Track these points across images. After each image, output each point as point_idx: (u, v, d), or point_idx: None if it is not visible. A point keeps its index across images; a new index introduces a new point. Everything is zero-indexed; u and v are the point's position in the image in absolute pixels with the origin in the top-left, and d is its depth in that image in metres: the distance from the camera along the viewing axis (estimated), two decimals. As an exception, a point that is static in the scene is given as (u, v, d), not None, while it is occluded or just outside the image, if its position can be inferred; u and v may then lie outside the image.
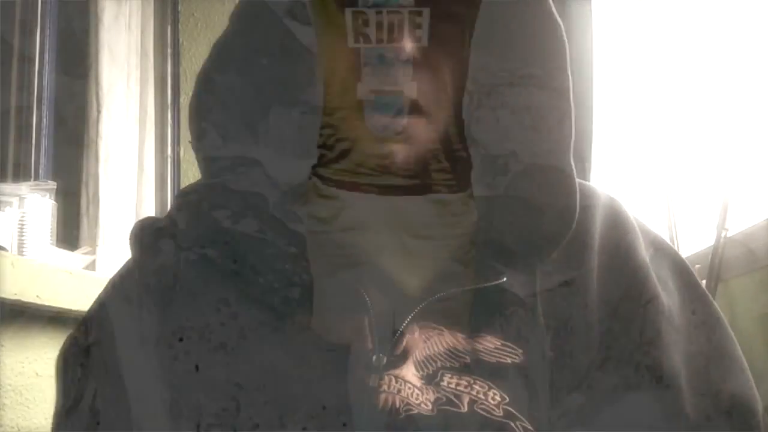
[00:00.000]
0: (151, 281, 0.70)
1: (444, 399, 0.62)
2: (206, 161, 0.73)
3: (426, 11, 0.64)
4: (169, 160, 2.46)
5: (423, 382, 0.63)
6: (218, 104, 0.72)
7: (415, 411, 0.61)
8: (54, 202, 1.93)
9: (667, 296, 0.70)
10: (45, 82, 2.18)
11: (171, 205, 0.75)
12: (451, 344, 0.65)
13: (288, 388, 0.64)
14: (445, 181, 0.70)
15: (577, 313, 0.68)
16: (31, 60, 2.15)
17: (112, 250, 2.11)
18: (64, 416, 0.69)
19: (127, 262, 0.74)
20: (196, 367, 0.65)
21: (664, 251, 0.74)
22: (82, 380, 0.69)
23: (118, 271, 0.75)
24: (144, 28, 2.41)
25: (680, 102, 2.24)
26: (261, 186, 0.71)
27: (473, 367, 0.64)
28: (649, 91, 2.26)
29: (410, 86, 0.65)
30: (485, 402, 0.62)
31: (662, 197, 2.27)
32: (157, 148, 2.44)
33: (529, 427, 0.62)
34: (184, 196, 0.74)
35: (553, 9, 0.70)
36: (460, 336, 0.65)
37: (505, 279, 0.66)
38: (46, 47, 2.19)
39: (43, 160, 2.14)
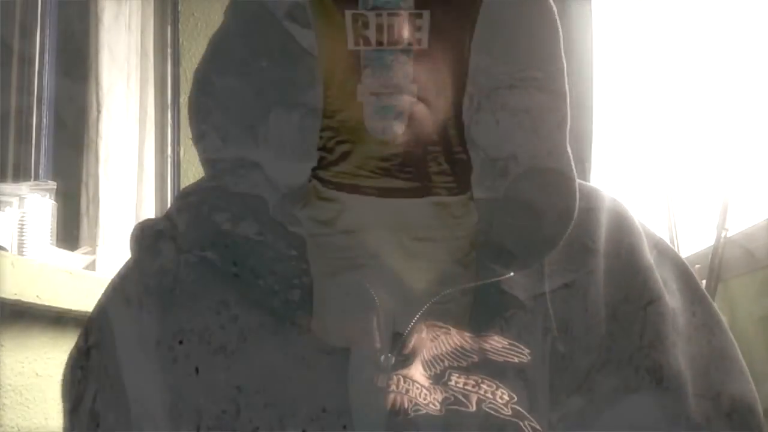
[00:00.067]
0: (151, 283, 0.70)
1: (452, 399, 0.62)
2: (206, 163, 0.73)
3: (426, 13, 0.64)
4: (169, 160, 2.46)
5: (431, 381, 0.63)
6: (218, 106, 0.72)
7: (423, 411, 0.61)
8: (54, 202, 1.93)
9: (670, 298, 0.70)
10: (45, 84, 2.18)
11: (170, 206, 0.75)
12: (458, 343, 0.65)
13: (288, 390, 0.64)
14: (445, 183, 0.70)
15: (578, 315, 0.68)
16: (31, 61, 2.15)
17: (112, 250, 2.11)
18: (65, 419, 0.69)
19: (127, 263, 0.74)
20: (196, 370, 0.65)
21: (666, 254, 0.74)
22: (82, 382, 0.69)
23: (118, 273, 0.75)
24: (144, 28, 2.41)
25: (680, 102, 2.24)
26: (261, 188, 0.71)
27: (481, 366, 0.64)
28: (649, 91, 2.26)
29: (410, 88, 0.65)
30: (493, 401, 0.62)
31: (662, 197, 2.27)
32: (157, 148, 2.44)
33: (537, 427, 0.62)
34: (184, 198, 0.74)
35: (554, 10, 0.70)
36: (467, 335, 0.65)
37: (512, 273, 0.66)
38: (46, 48, 2.19)
39: (43, 161, 2.14)
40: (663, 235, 2.21)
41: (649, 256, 0.72)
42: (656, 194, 2.29)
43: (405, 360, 0.64)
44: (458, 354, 0.65)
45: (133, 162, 2.32)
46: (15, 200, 1.83)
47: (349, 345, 0.65)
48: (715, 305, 0.74)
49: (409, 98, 0.65)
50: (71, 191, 2.18)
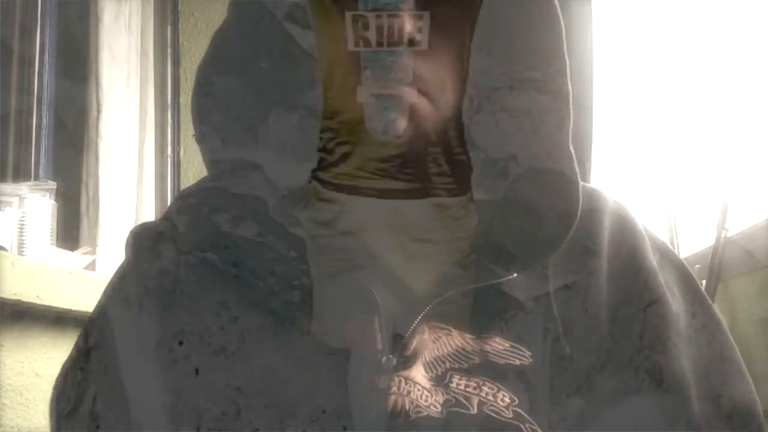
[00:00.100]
0: (151, 285, 0.70)
1: (453, 401, 0.62)
2: (208, 164, 0.73)
3: (426, 15, 0.64)
4: (169, 160, 2.46)
5: (432, 383, 0.63)
6: (218, 107, 0.72)
7: (424, 413, 0.61)
8: (54, 202, 1.93)
9: (672, 300, 0.70)
10: (45, 84, 2.18)
11: (170, 208, 0.75)
12: (459, 345, 0.65)
13: (288, 392, 0.64)
14: (445, 184, 0.70)
15: (578, 316, 0.68)
16: (31, 62, 2.15)
17: (112, 250, 2.11)
18: (64, 419, 0.69)
19: (121, 266, 0.74)
20: (196, 371, 0.65)
21: (668, 258, 0.74)
22: (81, 384, 0.69)
23: (115, 275, 0.74)
24: (144, 28, 2.41)
25: (680, 102, 2.24)
26: (261, 189, 0.71)
27: (482, 368, 0.64)
28: (649, 91, 2.26)
29: (410, 90, 0.65)
30: (495, 404, 0.62)
31: (662, 197, 2.27)
32: (157, 148, 2.44)
33: (538, 430, 0.62)
34: (184, 199, 0.74)
35: (555, 10, 0.70)
36: (468, 337, 0.65)
37: (515, 275, 0.66)
38: (46, 49, 2.19)
39: (43, 161, 2.14)
40: (663, 235, 2.22)
41: (652, 258, 0.72)
42: (656, 194, 2.29)
43: (406, 361, 0.64)
44: (459, 356, 0.64)
45: (133, 162, 2.32)
46: (15, 200, 1.83)
47: (349, 346, 0.65)
48: (716, 307, 0.74)
49: (409, 99, 0.65)
50: (71, 191, 2.18)
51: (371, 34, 0.64)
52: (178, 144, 2.48)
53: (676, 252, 2.11)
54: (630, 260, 0.71)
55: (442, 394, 0.62)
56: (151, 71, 2.42)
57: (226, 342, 0.66)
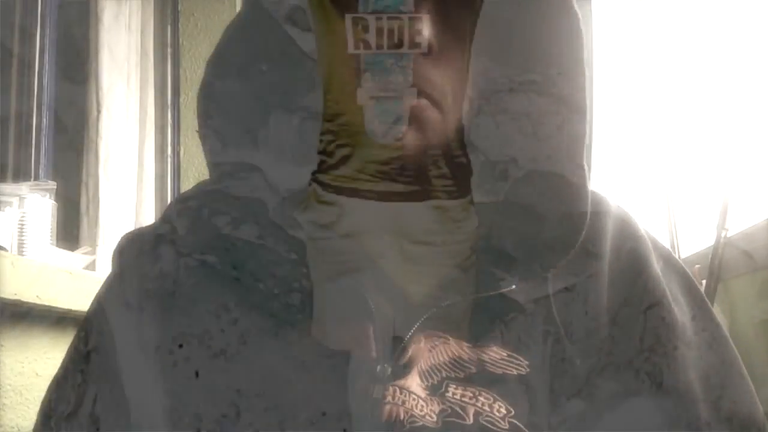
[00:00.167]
0: (151, 287, 0.70)
1: (449, 410, 0.62)
2: (208, 166, 0.73)
3: (426, 17, 0.64)
4: (169, 160, 2.46)
5: (428, 392, 0.63)
6: (218, 110, 0.72)
7: (420, 423, 0.61)
8: (54, 202, 1.93)
9: (676, 307, 0.70)
10: (45, 86, 2.18)
11: (169, 210, 0.75)
12: (456, 354, 0.65)
13: (288, 394, 0.64)
14: (445, 187, 0.70)
15: (578, 319, 0.68)
16: (31, 64, 2.15)
17: (112, 251, 2.11)
18: (64, 421, 0.69)
19: (115, 270, 0.74)
20: (196, 374, 0.66)
21: (671, 264, 0.74)
22: (81, 386, 0.69)
23: (108, 279, 0.74)
24: (144, 29, 2.41)
25: (680, 102, 2.24)
26: (261, 192, 0.71)
27: (479, 377, 0.64)
28: (649, 91, 2.26)
29: (410, 92, 0.65)
30: (490, 414, 0.62)
31: (662, 197, 2.27)
32: (157, 148, 2.43)
33: None
34: (184, 202, 0.74)
35: (559, 12, 0.70)
36: (465, 345, 0.65)
37: (514, 287, 0.66)
38: (46, 51, 2.19)
39: (43, 161, 2.14)
40: (663, 235, 2.22)
41: (653, 261, 0.72)
42: (656, 194, 2.29)
43: (402, 370, 0.64)
44: (456, 364, 0.65)
45: (133, 162, 2.32)
46: (15, 200, 1.83)
47: (348, 348, 0.65)
48: (716, 308, 0.74)
49: (409, 102, 0.65)
50: (71, 191, 2.18)
51: (371, 37, 0.64)
52: (178, 144, 2.48)
53: (677, 252, 2.12)
54: (630, 263, 0.71)
55: (438, 404, 0.62)
56: (151, 71, 2.42)
57: (226, 344, 0.66)
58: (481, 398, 0.63)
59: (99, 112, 2.19)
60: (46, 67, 2.18)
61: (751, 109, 1.93)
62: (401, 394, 0.62)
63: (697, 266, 1.85)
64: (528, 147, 0.70)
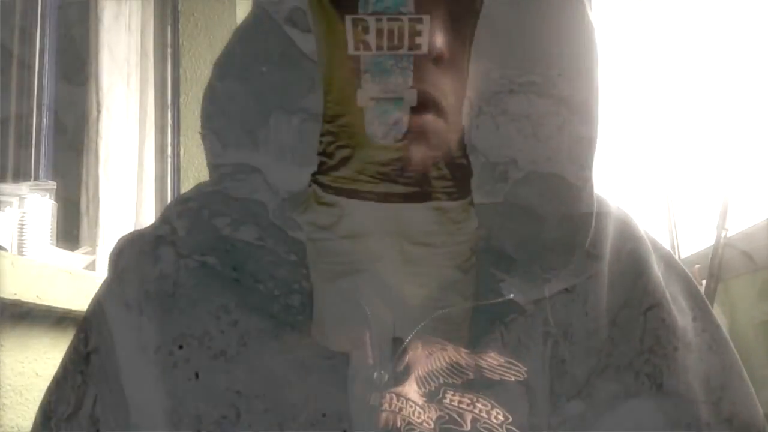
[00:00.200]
0: (151, 288, 0.70)
1: (446, 417, 0.62)
2: (209, 168, 0.73)
3: (426, 18, 0.64)
4: (169, 160, 2.46)
5: (425, 399, 0.63)
6: (218, 111, 0.72)
7: (417, 430, 0.61)
8: (54, 202, 1.93)
9: (677, 312, 0.70)
10: (45, 88, 2.18)
11: (168, 212, 0.75)
12: (453, 359, 0.65)
13: (288, 395, 0.64)
14: (445, 188, 0.70)
15: (578, 320, 0.68)
16: (31, 65, 2.15)
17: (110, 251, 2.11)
18: (64, 423, 0.69)
19: (115, 272, 0.74)
20: (196, 375, 0.66)
21: (673, 267, 0.74)
22: (81, 387, 0.69)
23: (106, 280, 0.74)
24: (144, 29, 2.41)
25: (680, 102, 2.24)
26: (261, 193, 0.71)
27: (476, 383, 0.64)
28: (649, 91, 2.26)
29: (410, 93, 0.65)
30: (488, 421, 0.62)
31: (662, 197, 2.27)
32: (157, 148, 2.44)
33: None
34: (183, 203, 0.74)
35: (559, 13, 0.70)
36: (463, 351, 0.65)
37: (512, 295, 0.66)
38: (46, 53, 2.19)
39: (43, 160, 2.14)
40: (663, 235, 2.22)
41: (653, 262, 0.72)
42: (656, 194, 2.30)
43: (399, 376, 0.64)
44: (454, 370, 0.65)
45: (133, 162, 2.32)
46: (15, 200, 1.83)
47: (348, 350, 0.65)
48: (715, 311, 0.74)
49: (409, 103, 0.65)
50: (71, 191, 2.18)
51: (371, 38, 0.64)
52: (178, 144, 2.48)
53: (677, 252, 2.12)
54: (630, 264, 0.71)
55: (435, 411, 0.62)
56: (151, 71, 2.42)
57: (226, 345, 0.66)
58: (479, 405, 0.63)
59: (99, 112, 2.19)
60: (46, 67, 2.18)
61: (751, 110, 1.93)
62: (398, 401, 0.62)
63: (697, 266, 1.85)
64: (528, 148, 0.70)
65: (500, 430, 0.62)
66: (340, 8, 0.65)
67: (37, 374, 1.63)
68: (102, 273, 1.97)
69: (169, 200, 2.42)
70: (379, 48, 0.64)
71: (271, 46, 0.71)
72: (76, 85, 2.28)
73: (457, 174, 0.70)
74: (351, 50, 0.64)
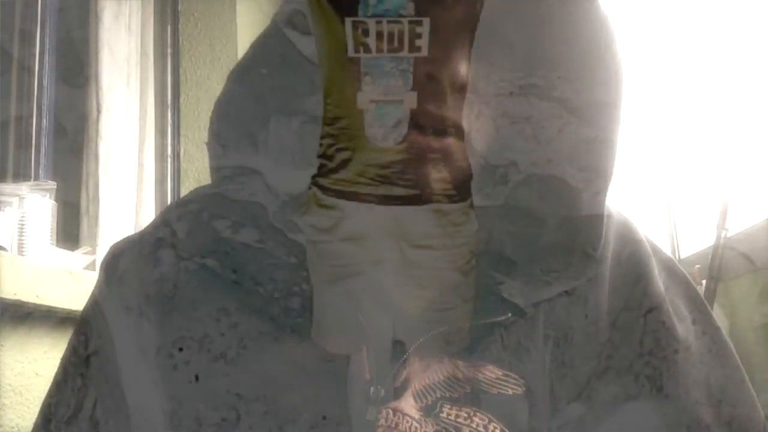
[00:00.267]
0: (151, 291, 0.70)
1: (443, 431, 0.62)
2: (210, 170, 0.73)
3: (426, 21, 0.64)
4: (169, 160, 2.46)
5: (422, 413, 0.63)
6: (218, 114, 0.73)
7: None
8: (54, 202, 1.93)
9: (673, 306, 0.70)
10: (45, 90, 2.18)
11: (165, 214, 0.75)
12: (450, 373, 0.65)
13: (288, 398, 0.64)
14: (445, 191, 0.70)
15: (578, 323, 0.68)
16: (31, 68, 2.15)
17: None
18: (64, 425, 0.70)
19: (104, 276, 0.74)
20: (196, 377, 0.66)
21: (675, 275, 0.74)
22: (81, 390, 0.70)
23: (99, 284, 0.74)
24: (144, 28, 2.41)
25: (680, 102, 2.24)
26: (261, 196, 0.71)
27: (474, 396, 0.64)
28: (649, 91, 2.26)
29: (410, 96, 0.65)
30: None
31: (662, 197, 2.27)
32: (157, 148, 2.43)
33: None
34: (184, 206, 0.74)
35: (560, 15, 0.70)
36: (460, 364, 0.65)
37: (510, 315, 0.66)
38: (46, 55, 2.19)
39: (43, 160, 2.14)
40: (663, 234, 2.22)
41: (654, 265, 0.72)
42: (656, 194, 2.30)
43: (396, 391, 0.64)
44: (451, 384, 0.65)
45: (133, 162, 2.32)
46: (15, 200, 1.83)
47: (348, 352, 0.65)
48: (715, 312, 0.74)
49: (409, 106, 0.65)
50: (71, 191, 2.18)
51: (371, 41, 0.64)
52: (178, 144, 2.48)
53: (677, 252, 2.11)
54: (630, 267, 0.71)
55: (432, 425, 0.62)
56: (151, 71, 2.42)
57: (226, 348, 0.66)
58: (476, 419, 0.63)
59: (99, 112, 2.20)
60: (46, 69, 2.18)
61: (751, 110, 1.93)
62: (395, 416, 0.62)
63: (697, 266, 1.85)
64: (528, 151, 0.70)
65: None
66: (340, 11, 0.65)
67: (37, 374, 1.63)
68: (102, 273, 1.97)
69: (169, 200, 2.42)
70: (380, 50, 0.64)
71: (270, 48, 0.71)
72: (76, 87, 2.28)
73: (457, 176, 0.70)
74: (351, 53, 0.64)
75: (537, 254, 0.69)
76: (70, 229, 2.15)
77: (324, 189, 0.71)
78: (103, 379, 0.69)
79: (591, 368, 0.67)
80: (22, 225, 1.81)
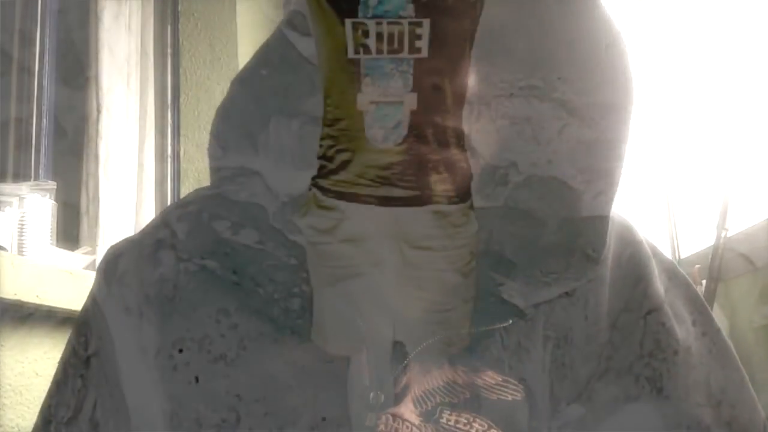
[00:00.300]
0: (151, 292, 0.70)
1: None
2: (210, 171, 0.73)
3: (426, 22, 0.64)
4: (169, 160, 2.46)
5: (421, 419, 0.63)
6: (218, 116, 0.72)
7: None
8: (54, 202, 1.93)
9: (672, 308, 0.70)
10: (45, 91, 2.18)
11: (165, 216, 0.75)
12: (450, 378, 0.65)
13: (288, 399, 0.64)
14: (445, 192, 0.70)
15: (578, 324, 0.68)
16: (31, 69, 2.15)
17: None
18: (63, 427, 0.70)
19: (102, 278, 0.74)
20: (196, 378, 0.66)
21: (676, 279, 0.74)
22: (81, 391, 0.70)
23: (102, 283, 0.74)
24: (144, 28, 2.41)
25: (680, 102, 2.24)
26: (261, 197, 0.71)
27: (473, 402, 0.64)
28: (649, 91, 2.26)
29: (410, 97, 0.65)
30: None
31: (662, 197, 2.27)
32: (157, 148, 2.43)
33: None
34: (183, 207, 0.74)
35: (560, 17, 0.70)
36: (460, 369, 0.65)
37: (511, 321, 0.66)
38: (46, 57, 2.19)
39: (43, 161, 2.14)
40: (663, 235, 2.22)
41: (654, 267, 0.72)
42: (656, 194, 2.29)
43: (395, 397, 0.64)
44: (450, 389, 0.65)
45: (133, 162, 2.32)
46: (15, 200, 1.83)
47: (348, 354, 0.65)
48: (715, 312, 0.74)
49: (409, 107, 0.65)
50: (71, 191, 2.18)
51: (371, 42, 0.64)
52: (178, 144, 2.48)
53: (677, 252, 2.11)
54: (630, 268, 0.71)
55: (432, 431, 0.63)
56: (151, 71, 2.42)
57: (226, 349, 0.66)
58: (476, 425, 0.63)
59: (99, 112, 2.20)
60: (46, 71, 2.18)
61: (751, 110, 1.93)
62: (394, 422, 0.63)
63: (697, 266, 1.85)
64: (528, 152, 0.69)
65: None
66: (340, 12, 0.65)
67: (37, 374, 1.63)
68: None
69: (169, 200, 2.42)
70: (379, 52, 0.64)
71: (270, 49, 0.71)
72: (76, 88, 2.28)
73: (457, 177, 0.70)
74: (351, 54, 0.64)
75: (537, 255, 0.69)
76: (70, 229, 2.15)
77: (324, 190, 0.71)
78: (103, 380, 0.70)
79: (591, 369, 0.67)
80: (22, 225, 1.81)
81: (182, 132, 2.47)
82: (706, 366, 0.69)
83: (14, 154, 2.11)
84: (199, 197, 0.74)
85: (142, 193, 2.33)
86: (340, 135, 0.69)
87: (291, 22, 0.70)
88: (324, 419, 0.63)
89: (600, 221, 0.69)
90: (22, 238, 1.81)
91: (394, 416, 0.63)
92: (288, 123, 0.70)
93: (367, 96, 0.65)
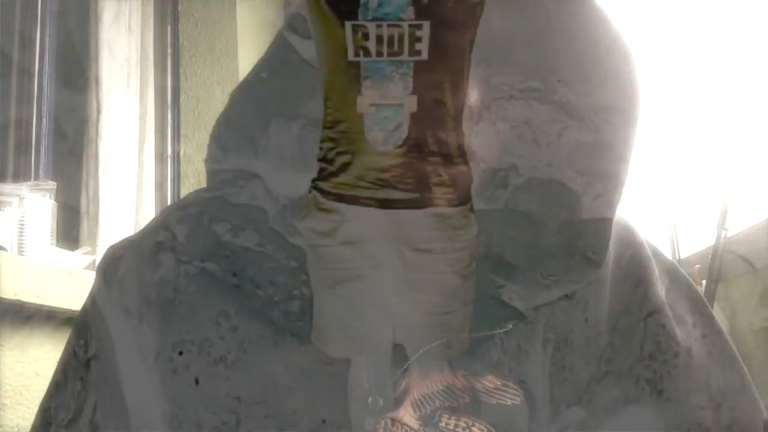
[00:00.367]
0: (151, 295, 0.70)
1: None
2: (209, 174, 0.73)
3: (426, 25, 0.64)
4: (169, 160, 2.46)
5: (420, 423, 0.63)
6: (219, 123, 0.72)
7: None
8: (54, 202, 1.93)
9: (673, 310, 0.70)
10: (45, 93, 2.18)
11: (164, 217, 0.75)
12: (450, 382, 0.65)
13: (288, 401, 0.64)
14: (445, 194, 0.70)
15: (578, 326, 0.68)
16: (31, 72, 2.15)
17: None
18: (63, 429, 0.70)
19: (102, 279, 0.74)
20: (196, 381, 0.66)
21: (678, 281, 0.74)
22: (81, 394, 0.70)
23: (101, 284, 0.74)
24: (144, 29, 2.41)
25: (680, 102, 2.24)
26: (261, 199, 0.71)
27: (473, 405, 0.64)
28: (649, 91, 2.26)
29: (410, 99, 0.65)
30: None
31: (662, 197, 2.27)
32: (157, 148, 2.44)
33: None
34: (183, 209, 0.74)
35: (560, 19, 0.70)
36: (459, 373, 0.65)
37: (510, 326, 0.66)
38: (46, 59, 2.19)
39: (43, 161, 2.14)
40: (663, 235, 2.22)
41: (654, 268, 0.72)
42: (656, 194, 2.30)
43: (395, 400, 0.64)
44: (449, 393, 0.65)
45: (133, 162, 2.32)
46: (15, 200, 1.83)
47: (348, 356, 0.65)
48: (715, 312, 0.74)
49: (409, 109, 0.65)
50: (71, 191, 2.18)
51: (371, 44, 0.63)
52: (178, 144, 2.48)
53: (677, 252, 2.10)
54: (630, 270, 0.71)
55: None
56: (151, 72, 2.42)
57: (226, 352, 0.66)
58: (475, 429, 0.63)
59: (99, 112, 2.20)
60: (46, 72, 2.18)
61: (751, 110, 1.93)
62: (393, 426, 0.63)
63: (697, 267, 1.85)
64: (528, 154, 0.69)
65: None
66: (340, 14, 0.65)
67: (37, 374, 1.63)
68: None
69: (168, 200, 2.42)
70: (379, 54, 0.64)
71: (271, 52, 0.71)
72: (76, 89, 2.28)
73: (457, 180, 0.70)
74: (351, 56, 0.64)
75: (537, 258, 0.69)
76: (70, 229, 2.16)
77: (324, 193, 0.71)
78: (103, 382, 0.70)
79: (591, 372, 0.67)
80: (22, 225, 1.81)
81: (182, 132, 2.47)
82: (707, 368, 0.69)
83: (14, 154, 2.11)
84: (199, 199, 0.74)
85: (141, 193, 2.33)
86: (340, 137, 0.68)
87: (291, 25, 0.70)
88: (324, 421, 0.63)
89: (601, 224, 0.69)
90: (22, 238, 1.81)
91: (393, 420, 0.63)
92: (288, 126, 0.70)
93: (367, 98, 0.65)
